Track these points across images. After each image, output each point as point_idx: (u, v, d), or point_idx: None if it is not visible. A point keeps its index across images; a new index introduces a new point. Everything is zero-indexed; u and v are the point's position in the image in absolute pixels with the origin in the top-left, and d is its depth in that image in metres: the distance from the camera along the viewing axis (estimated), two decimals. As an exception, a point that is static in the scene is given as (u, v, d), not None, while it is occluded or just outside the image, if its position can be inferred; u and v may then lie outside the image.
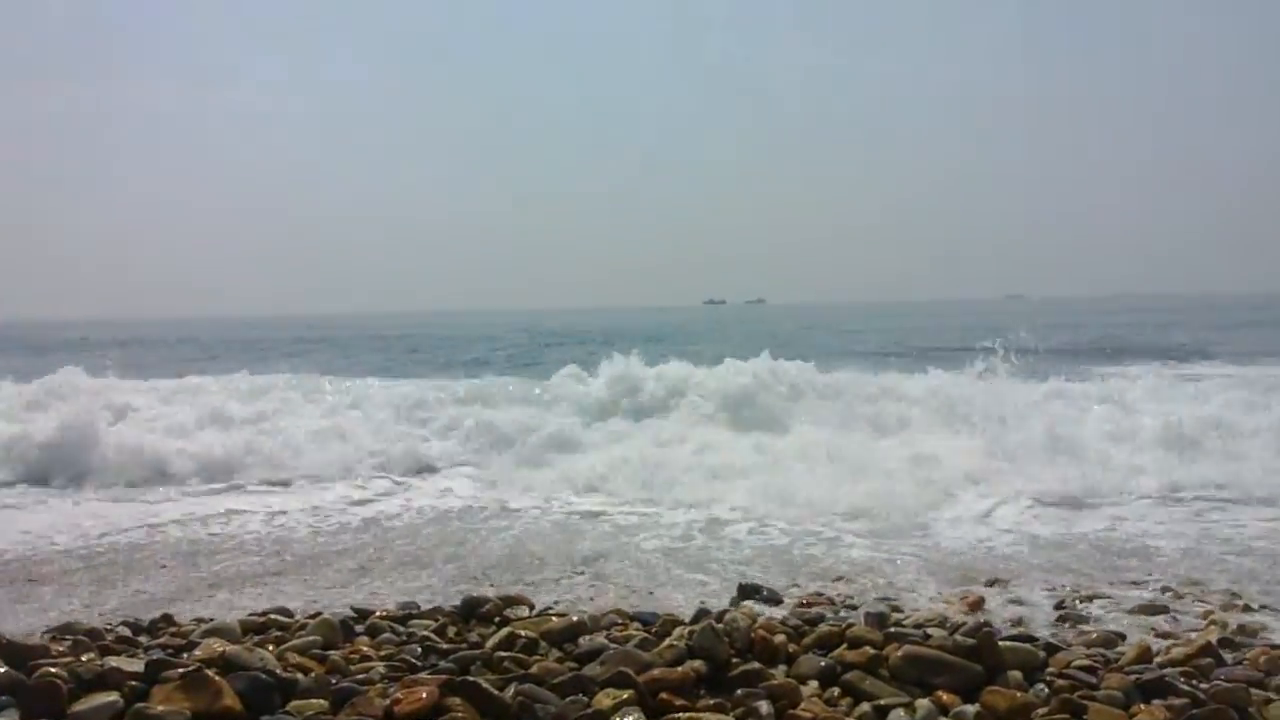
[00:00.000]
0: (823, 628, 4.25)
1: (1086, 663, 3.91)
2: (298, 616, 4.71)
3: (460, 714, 3.35)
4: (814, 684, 3.78)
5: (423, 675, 3.69)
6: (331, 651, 4.04)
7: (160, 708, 3.33)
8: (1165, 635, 4.56)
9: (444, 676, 3.60)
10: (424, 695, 3.43)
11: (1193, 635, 4.47)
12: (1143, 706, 3.50)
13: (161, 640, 4.29)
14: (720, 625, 4.06)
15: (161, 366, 20.58)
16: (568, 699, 3.51)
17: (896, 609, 5.01)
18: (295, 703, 3.45)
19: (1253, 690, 3.61)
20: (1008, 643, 3.99)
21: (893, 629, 4.19)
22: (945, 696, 3.63)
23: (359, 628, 4.44)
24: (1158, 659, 4.04)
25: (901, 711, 3.51)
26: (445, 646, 4.09)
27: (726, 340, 30.86)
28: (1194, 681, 3.73)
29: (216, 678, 3.47)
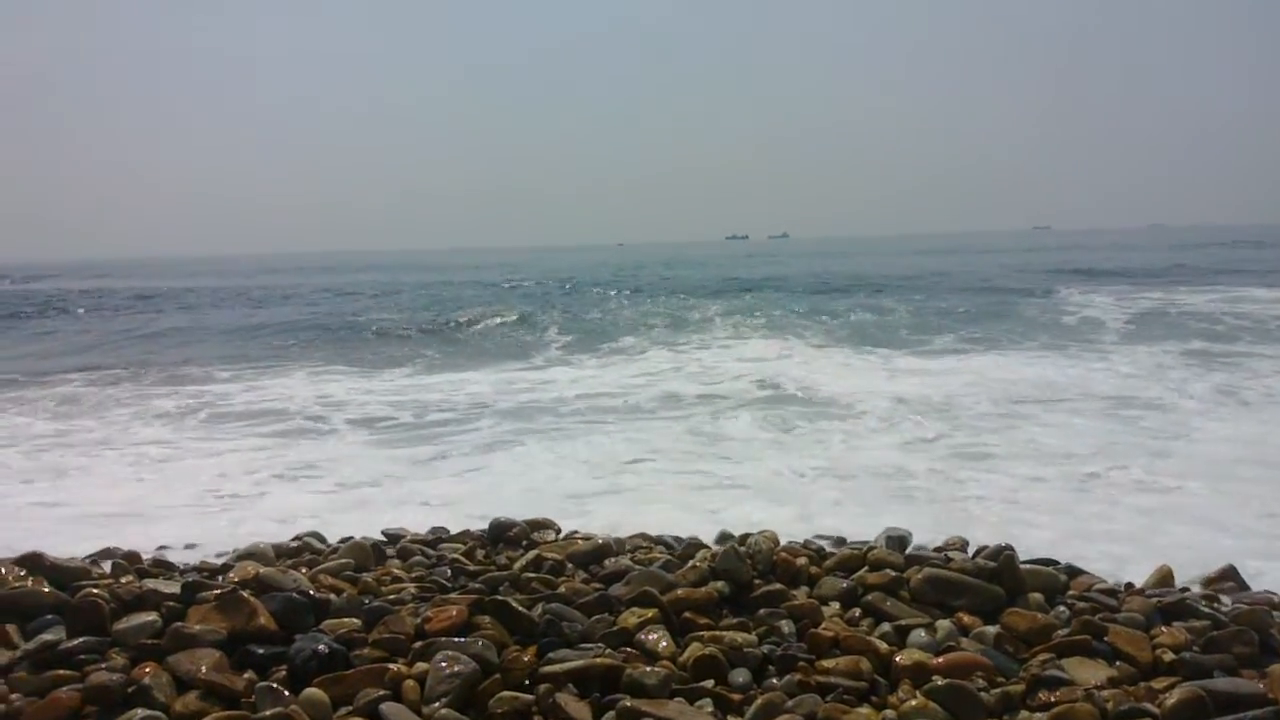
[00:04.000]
0: (845, 550, 4.30)
1: (1108, 586, 3.94)
2: (330, 542, 4.82)
3: (489, 631, 3.44)
4: (835, 605, 3.84)
5: (453, 595, 3.78)
6: (364, 574, 4.14)
7: (198, 627, 3.43)
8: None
9: (473, 596, 3.69)
10: (454, 613, 3.52)
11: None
12: (1164, 629, 3.54)
13: (197, 564, 4.41)
14: (743, 548, 4.12)
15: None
16: (594, 618, 3.60)
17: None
18: (329, 621, 3.55)
19: (1274, 613, 3.63)
20: (1029, 565, 4.02)
21: (913, 551, 4.23)
22: (966, 618, 3.68)
23: (390, 551, 4.54)
24: (1180, 583, 4.06)
25: (922, 632, 3.57)
26: (474, 568, 4.18)
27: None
28: (1215, 605, 3.76)
29: (251, 598, 3.57)
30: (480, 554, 4.44)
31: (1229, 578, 4.17)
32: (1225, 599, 3.95)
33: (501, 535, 4.61)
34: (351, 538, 4.67)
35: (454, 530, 4.91)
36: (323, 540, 4.86)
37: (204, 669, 3.22)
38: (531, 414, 9.17)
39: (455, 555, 4.37)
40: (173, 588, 3.77)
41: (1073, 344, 13.88)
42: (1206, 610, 3.64)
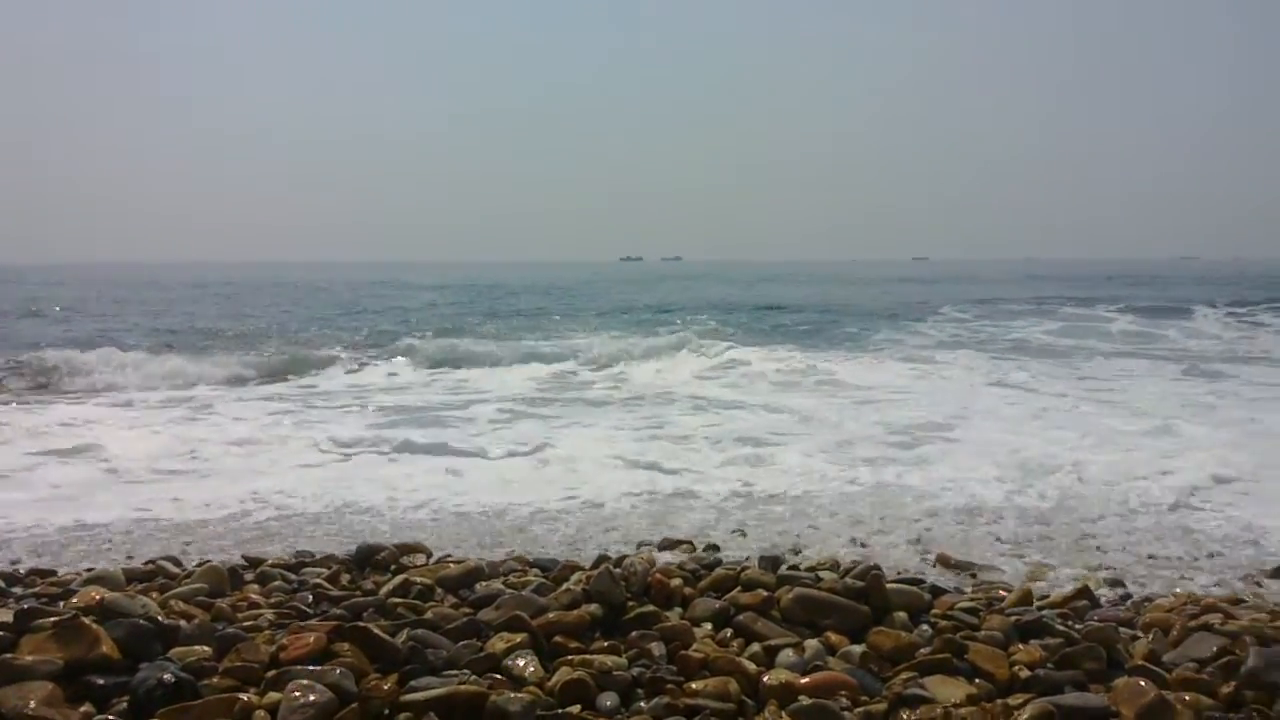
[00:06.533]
0: (719, 571, 4.31)
1: (970, 605, 4.05)
2: (186, 566, 4.59)
3: (348, 659, 3.30)
4: (708, 626, 3.84)
5: (312, 622, 3.62)
6: (218, 599, 3.94)
7: (30, 658, 3.19)
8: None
9: (333, 623, 3.55)
10: (311, 640, 3.36)
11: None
12: (1021, 646, 3.64)
13: (36, 589, 4.12)
14: (618, 570, 4.08)
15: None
16: (460, 643, 3.50)
17: (796, 551, 5.15)
18: (177, 649, 3.36)
19: (1121, 629, 3.79)
20: (895, 585, 4.11)
21: (785, 572, 4.27)
22: (834, 637, 3.72)
23: (249, 575, 4.34)
24: (1038, 602, 4.21)
25: (790, 652, 3.59)
26: (337, 593, 4.02)
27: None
28: (1069, 622, 3.90)
29: (93, 625, 3.35)
30: (345, 578, 4.28)
31: (1084, 596, 4.33)
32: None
33: (369, 559, 4.47)
34: (209, 561, 4.45)
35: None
36: (178, 564, 4.61)
37: (33, 704, 2.98)
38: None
39: (318, 580, 4.20)
40: (4, 616, 3.51)
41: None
42: (1061, 628, 3.77)
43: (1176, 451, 7.94)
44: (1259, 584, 4.77)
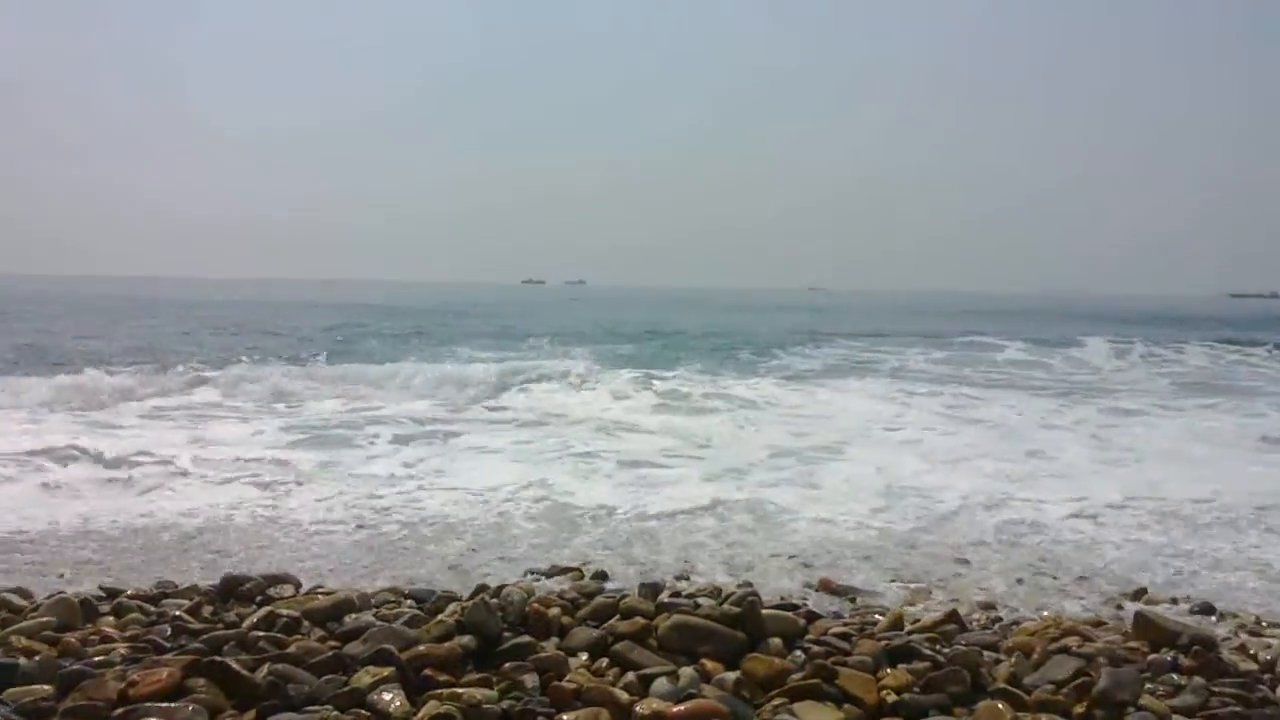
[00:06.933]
0: (599, 600, 4.27)
1: (843, 630, 4.11)
2: (37, 598, 4.32)
3: (203, 695, 3.16)
4: (584, 656, 3.79)
5: (167, 657, 3.45)
6: (68, 633, 3.73)
7: None
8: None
9: (190, 657, 3.39)
10: (164, 676, 3.21)
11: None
12: (889, 670, 3.70)
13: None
14: (495, 600, 4.01)
15: None
16: (324, 678, 3.38)
17: (683, 579, 5.15)
18: (11, 690, 3.15)
19: (985, 653, 3.89)
20: (771, 611, 4.13)
21: (666, 599, 4.26)
22: (709, 664, 3.72)
23: (105, 608, 4.12)
24: (908, 627, 4.29)
25: (665, 680, 3.57)
26: (197, 627, 3.84)
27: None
28: (937, 646, 3.99)
29: (-84, 664, 3.12)
30: (207, 610, 4.10)
31: (953, 620, 4.43)
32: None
33: (233, 591, 4.29)
34: (61, 593, 4.21)
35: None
36: (27, 596, 4.34)
37: None
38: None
39: (178, 612, 4.01)
40: None
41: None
42: (928, 652, 3.84)
43: (1050, 477, 8.26)
44: (1120, 606, 4.96)
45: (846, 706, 3.44)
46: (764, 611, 4.05)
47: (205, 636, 3.69)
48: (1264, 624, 4.63)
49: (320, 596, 4.22)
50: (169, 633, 3.77)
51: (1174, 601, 5.00)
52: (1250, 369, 21.04)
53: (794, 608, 4.34)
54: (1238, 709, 3.41)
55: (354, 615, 4.00)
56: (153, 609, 4.08)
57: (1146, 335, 28.20)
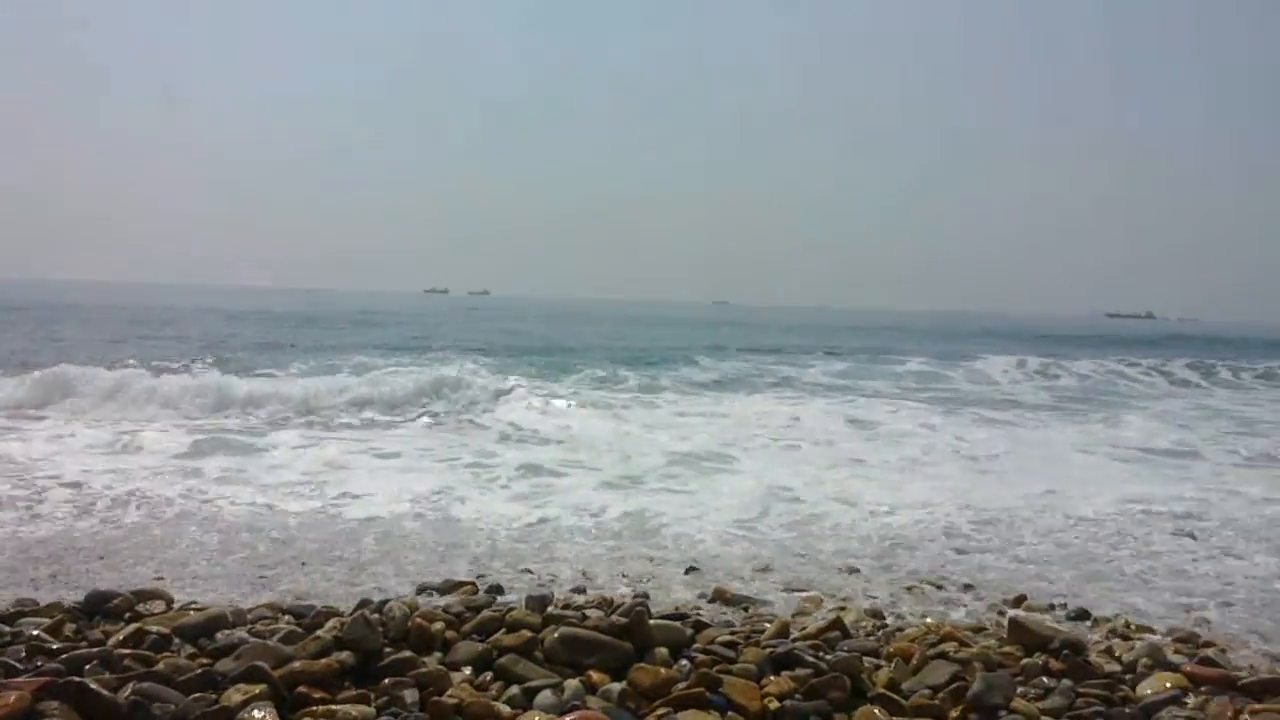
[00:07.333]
0: (485, 614, 4.21)
1: (730, 638, 4.13)
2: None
3: (57, 718, 2.99)
4: (467, 670, 3.73)
5: (19, 680, 3.26)
6: (-95, 658, 3.48)
7: None
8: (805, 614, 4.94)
9: (45, 679, 3.20)
10: (12, 700, 3.02)
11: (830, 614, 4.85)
12: (773, 677, 3.74)
13: None
14: (376, 615, 3.91)
15: None
16: (193, 696, 3.24)
17: (579, 591, 5.10)
18: None
19: (866, 659, 3.96)
20: (659, 621, 4.13)
21: (553, 611, 4.22)
22: (595, 676, 3.70)
23: (-47, 629, 3.86)
24: (793, 635, 4.34)
25: (549, 692, 3.53)
26: (57, 646, 3.64)
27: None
28: (820, 653, 4.04)
29: None
30: (70, 629, 3.89)
31: (836, 627, 4.50)
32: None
33: (100, 607, 4.08)
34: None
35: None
36: None
37: None
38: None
39: (38, 631, 3.79)
40: None
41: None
42: (811, 659, 3.89)
43: (936, 486, 8.50)
44: (1001, 613, 5.11)
45: (730, 714, 3.46)
46: (652, 622, 4.04)
47: (65, 656, 3.50)
48: (1132, 626, 4.83)
49: (193, 612, 4.05)
50: (23, 654, 3.56)
51: (1051, 608, 5.18)
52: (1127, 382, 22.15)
53: (683, 617, 4.34)
54: (1100, 709, 3.54)
55: (227, 631, 3.85)
56: (7, 629, 3.84)
57: (1039, 351, 29.18)
